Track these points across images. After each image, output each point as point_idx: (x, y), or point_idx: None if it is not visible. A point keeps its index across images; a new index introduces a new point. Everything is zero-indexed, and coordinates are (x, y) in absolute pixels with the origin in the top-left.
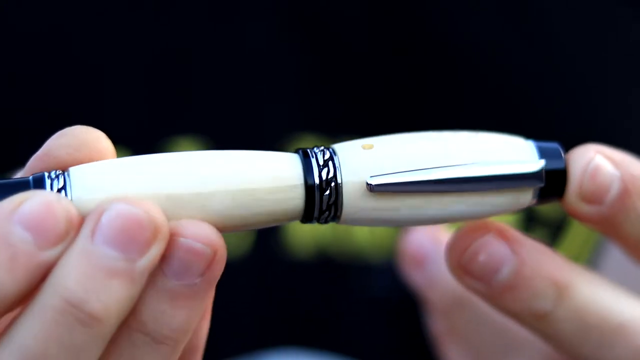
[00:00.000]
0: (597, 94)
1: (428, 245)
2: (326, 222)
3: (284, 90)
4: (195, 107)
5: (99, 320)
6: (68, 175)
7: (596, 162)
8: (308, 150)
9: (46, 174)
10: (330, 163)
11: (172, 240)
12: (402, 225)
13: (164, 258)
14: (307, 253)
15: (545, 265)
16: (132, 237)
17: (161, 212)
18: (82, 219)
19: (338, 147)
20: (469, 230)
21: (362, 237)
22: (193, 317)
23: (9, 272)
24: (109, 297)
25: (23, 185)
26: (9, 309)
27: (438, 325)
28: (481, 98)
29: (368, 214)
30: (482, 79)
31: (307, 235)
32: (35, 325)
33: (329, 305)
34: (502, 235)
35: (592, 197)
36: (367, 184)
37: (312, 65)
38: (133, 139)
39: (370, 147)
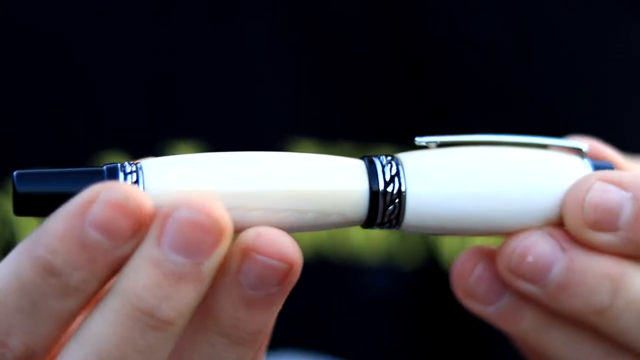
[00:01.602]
0: (597, 94)
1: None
2: (387, 228)
3: (284, 92)
4: (194, 110)
5: (170, 323)
6: (141, 167)
7: (597, 188)
8: (373, 158)
9: (119, 165)
10: (395, 171)
11: (248, 255)
12: (460, 234)
13: (240, 270)
14: (305, 254)
15: (595, 259)
16: (197, 241)
17: (224, 211)
18: (153, 211)
19: (403, 156)
20: (517, 234)
21: (359, 238)
22: (270, 320)
23: (90, 271)
24: (179, 301)
25: (97, 175)
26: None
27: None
28: (481, 98)
29: (430, 224)
30: (482, 80)
31: (304, 236)
32: (109, 328)
33: (328, 306)
34: (549, 235)
35: (600, 224)
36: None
37: (312, 66)
38: (131, 141)
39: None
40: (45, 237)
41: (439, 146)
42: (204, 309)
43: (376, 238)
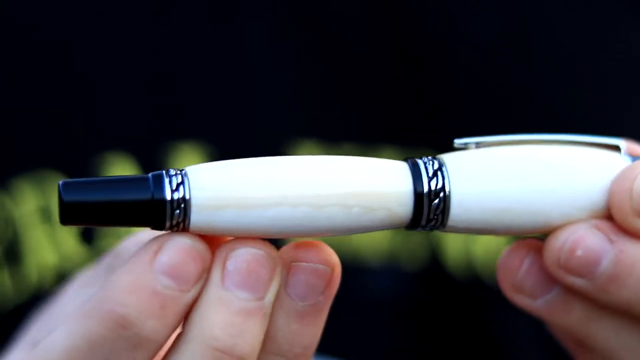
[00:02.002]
0: (597, 94)
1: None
2: (431, 230)
3: (286, 93)
4: (196, 112)
5: (247, 358)
6: (186, 174)
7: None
8: (417, 159)
9: (164, 172)
10: (439, 172)
11: (292, 267)
12: (505, 233)
13: (288, 283)
14: None
15: None
16: (257, 277)
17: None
18: (213, 252)
19: (445, 156)
20: (562, 228)
21: (360, 238)
22: (319, 331)
23: (161, 319)
24: (251, 336)
25: (142, 182)
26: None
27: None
28: (482, 99)
29: (474, 225)
30: (483, 80)
31: None
32: None
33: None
34: (596, 227)
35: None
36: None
37: (313, 68)
38: (133, 144)
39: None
40: (114, 291)
41: (477, 146)
42: None
43: (378, 238)
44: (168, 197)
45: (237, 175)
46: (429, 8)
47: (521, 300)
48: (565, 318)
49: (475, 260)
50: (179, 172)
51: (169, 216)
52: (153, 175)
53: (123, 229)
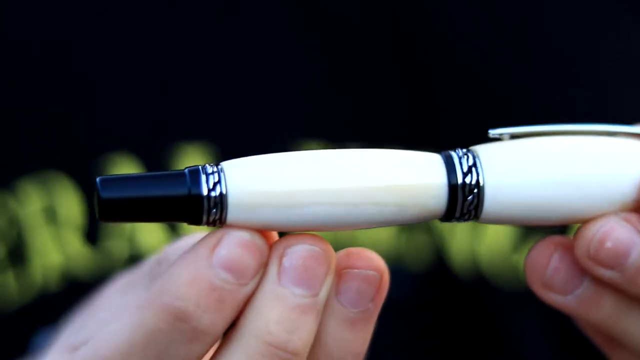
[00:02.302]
0: (597, 94)
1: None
2: (465, 221)
3: (291, 93)
4: (201, 112)
5: (299, 355)
6: (222, 169)
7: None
8: (450, 151)
9: (200, 168)
10: (473, 164)
11: (344, 274)
12: (537, 224)
13: (339, 291)
14: None
15: None
16: (313, 273)
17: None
18: (271, 243)
19: (478, 148)
20: (593, 220)
21: (365, 239)
22: (368, 339)
23: (219, 313)
24: (305, 332)
25: (179, 177)
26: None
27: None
28: (487, 101)
29: (508, 216)
30: (484, 79)
31: None
32: None
33: None
34: (625, 219)
35: None
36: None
37: (318, 68)
38: (137, 145)
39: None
40: (172, 284)
41: (511, 138)
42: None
43: (383, 239)
44: (205, 193)
45: (274, 171)
46: (430, 8)
47: (551, 298)
48: (596, 313)
49: (480, 261)
50: (215, 167)
51: (206, 211)
52: (189, 171)
53: (127, 229)
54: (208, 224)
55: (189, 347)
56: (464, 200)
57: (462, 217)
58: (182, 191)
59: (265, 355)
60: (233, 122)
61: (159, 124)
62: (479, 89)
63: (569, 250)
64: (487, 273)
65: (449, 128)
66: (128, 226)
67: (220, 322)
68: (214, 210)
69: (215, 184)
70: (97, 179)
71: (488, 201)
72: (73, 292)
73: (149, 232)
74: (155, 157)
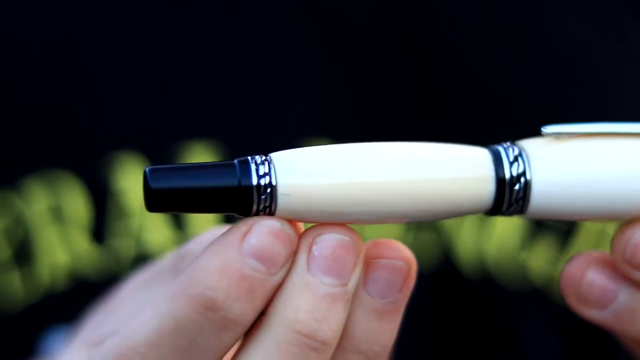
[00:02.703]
0: (597, 94)
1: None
2: (510, 215)
3: (296, 93)
4: (208, 110)
5: (328, 344)
6: (271, 160)
7: None
8: (497, 146)
9: (250, 158)
10: (519, 158)
11: (372, 264)
12: (582, 219)
13: (367, 281)
14: None
15: None
16: (343, 263)
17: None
18: (299, 232)
19: (525, 143)
20: (629, 224)
21: (371, 237)
22: (395, 330)
23: (250, 302)
24: (334, 321)
25: (228, 167)
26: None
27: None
28: (489, 100)
29: (553, 211)
30: (490, 82)
31: None
32: (272, 359)
33: None
34: None
35: None
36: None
37: (325, 66)
38: (144, 143)
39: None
40: (202, 273)
41: (558, 137)
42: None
43: (390, 238)
44: (255, 183)
45: (323, 162)
46: (433, 8)
47: (588, 313)
48: (633, 325)
49: (487, 260)
50: (264, 157)
51: (256, 202)
52: (239, 161)
53: (134, 228)
54: (258, 214)
55: (218, 336)
56: (511, 194)
57: (508, 211)
58: (232, 182)
59: (294, 344)
60: (238, 119)
61: (164, 123)
62: (479, 87)
63: (604, 264)
64: (494, 272)
65: (454, 126)
66: (136, 225)
67: (250, 312)
68: (264, 200)
69: (264, 175)
70: (146, 169)
71: (535, 195)
72: (80, 291)
73: (156, 231)
74: (161, 155)
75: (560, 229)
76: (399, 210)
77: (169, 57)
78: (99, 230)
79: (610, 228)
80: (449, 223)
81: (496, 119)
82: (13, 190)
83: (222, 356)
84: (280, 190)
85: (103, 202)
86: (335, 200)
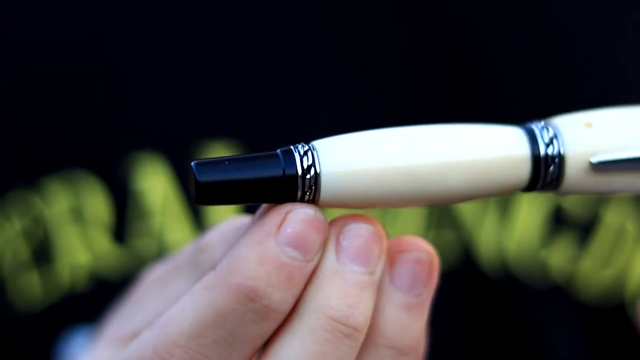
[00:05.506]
0: (619, 86)
1: None
2: (546, 191)
3: (317, 90)
4: (228, 110)
5: (359, 330)
6: (314, 148)
7: None
8: (530, 125)
9: (293, 148)
10: (554, 138)
11: (397, 258)
12: (614, 195)
13: (393, 275)
14: None
15: None
16: (369, 252)
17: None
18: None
19: (559, 122)
20: None
21: (391, 235)
22: (423, 326)
23: (289, 290)
24: (365, 307)
25: (273, 158)
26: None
27: None
28: (516, 96)
29: (586, 187)
30: (517, 77)
31: None
32: (306, 346)
33: None
34: None
35: None
36: (590, 162)
37: (345, 65)
38: (164, 143)
39: (590, 125)
40: (241, 263)
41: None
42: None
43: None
44: (299, 172)
45: (365, 148)
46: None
47: None
48: None
49: (508, 257)
50: (307, 146)
51: (300, 190)
52: (282, 151)
53: (155, 228)
54: (302, 202)
55: (259, 325)
56: (547, 171)
57: (544, 188)
58: (277, 172)
59: (327, 330)
60: (258, 119)
61: (184, 123)
62: (502, 80)
63: None
64: (514, 269)
65: (481, 118)
66: (157, 225)
67: (290, 299)
68: (308, 189)
69: (308, 164)
70: (193, 163)
71: (569, 171)
72: (101, 291)
73: (176, 231)
74: (182, 155)
75: (579, 225)
76: (438, 192)
77: (188, 58)
78: (120, 231)
79: (630, 225)
80: (469, 221)
81: (515, 105)
82: (33, 190)
83: (260, 345)
84: (324, 177)
85: (123, 202)
86: (379, 185)
